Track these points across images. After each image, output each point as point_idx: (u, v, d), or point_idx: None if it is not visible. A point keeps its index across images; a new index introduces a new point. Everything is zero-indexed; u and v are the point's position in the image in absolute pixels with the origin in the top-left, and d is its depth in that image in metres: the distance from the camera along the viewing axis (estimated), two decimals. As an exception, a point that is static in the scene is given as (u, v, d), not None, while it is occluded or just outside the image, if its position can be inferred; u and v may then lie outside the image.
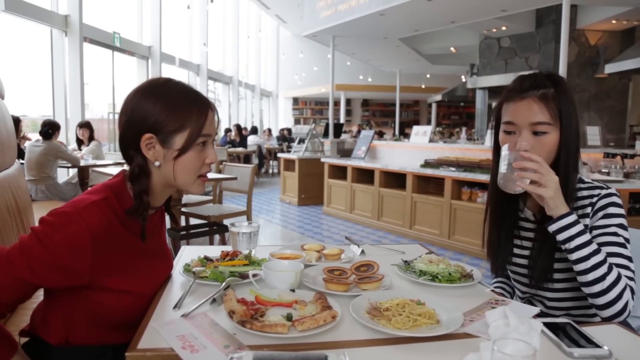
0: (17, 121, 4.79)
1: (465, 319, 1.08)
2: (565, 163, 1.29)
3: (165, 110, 1.13)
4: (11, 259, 1.00)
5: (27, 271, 1.00)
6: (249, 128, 14.45)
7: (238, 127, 12.45)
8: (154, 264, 1.25)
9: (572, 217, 1.22)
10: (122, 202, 1.13)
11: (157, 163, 1.15)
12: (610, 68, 8.01)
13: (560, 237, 1.22)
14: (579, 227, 1.21)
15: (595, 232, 1.29)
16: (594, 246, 1.21)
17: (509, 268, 1.50)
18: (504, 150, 1.24)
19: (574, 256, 1.21)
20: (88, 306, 1.11)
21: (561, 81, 1.31)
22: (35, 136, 5.33)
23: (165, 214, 1.38)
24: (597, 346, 0.96)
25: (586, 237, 1.21)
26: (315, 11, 9.55)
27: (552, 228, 1.23)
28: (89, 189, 1.16)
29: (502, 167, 1.24)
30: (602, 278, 1.18)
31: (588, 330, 1.05)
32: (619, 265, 1.23)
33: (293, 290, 1.20)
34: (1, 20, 6.21)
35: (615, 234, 1.27)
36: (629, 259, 1.25)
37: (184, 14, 12.29)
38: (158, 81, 1.19)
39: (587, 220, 1.30)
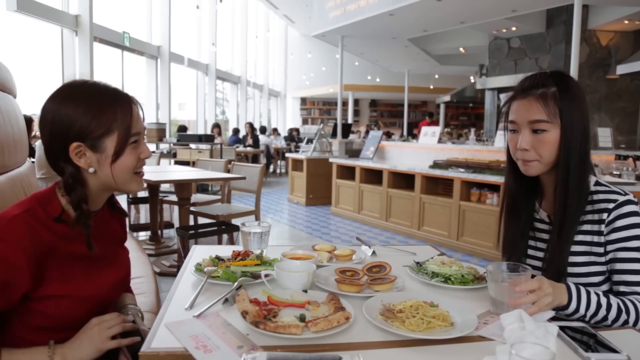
0: (29, 120, 4.83)
1: (479, 321, 1.07)
2: (565, 162, 1.27)
3: (88, 114, 1.09)
4: None
5: None
6: (257, 127, 14.47)
7: (251, 125, 12.43)
8: (95, 267, 1.20)
9: (574, 301, 1.18)
10: (49, 211, 1.09)
11: (91, 170, 1.12)
12: (622, 69, 7.93)
13: (574, 317, 1.21)
14: (584, 301, 1.18)
15: (615, 246, 1.26)
16: (603, 302, 1.19)
17: None
18: (490, 284, 1.17)
19: (592, 322, 1.20)
20: (27, 316, 1.08)
21: (566, 80, 1.30)
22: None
23: (112, 215, 1.34)
24: (615, 351, 0.95)
25: (594, 301, 1.18)
26: (324, 11, 9.54)
27: (564, 314, 1.21)
28: (14, 203, 1.11)
29: (492, 293, 1.16)
30: (625, 322, 1.19)
31: (604, 334, 1.04)
32: (639, 283, 1.23)
33: (305, 291, 1.20)
34: (13, 20, 6.27)
35: (637, 248, 1.24)
36: None
37: (193, 14, 12.33)
38: (74, 84, 1.14)
39: (603, 227, 1.28)
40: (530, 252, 1.44)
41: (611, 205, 1.27)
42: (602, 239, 1.28)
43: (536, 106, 1.27)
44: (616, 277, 1.28)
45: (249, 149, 11.56)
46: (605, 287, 1.31)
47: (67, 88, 1.14)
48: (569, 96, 1.27)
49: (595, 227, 1.29)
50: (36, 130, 5.41)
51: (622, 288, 1.26)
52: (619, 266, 1.26)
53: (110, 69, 8.82)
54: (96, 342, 1.10)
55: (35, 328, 1.10)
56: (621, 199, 1.27)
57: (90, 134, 1.09)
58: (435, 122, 13.77)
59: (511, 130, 1.34)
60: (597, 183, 1.34)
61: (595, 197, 1.31)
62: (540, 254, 1.40)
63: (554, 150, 1.28)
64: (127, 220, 1.45)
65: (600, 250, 1.29)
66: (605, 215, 1.28)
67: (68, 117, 1.08)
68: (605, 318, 1.18)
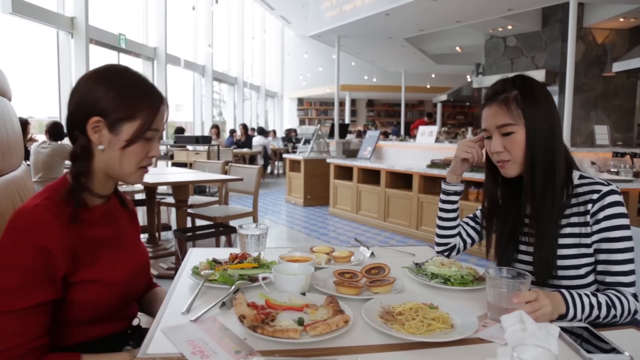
0: (25, 123, 4.80)
1: (479, 323, 1.06)
2: (531, 159, 1.31)
3: (119, 96, 1.12)
4: None
5: (19, 299, 0.99)
6: (255, 128, 14.45)
7: (244, 126, 12.43)
8: (118, 252, 1.23)
9: (572, 308, 1.18)
10: (66, 198, 1.12)
11: (101, 147, 1.13)
12: (617, 66, 7.93)
13: (574, 322, 1.21)
14: (579, 305, 1.19)
15: (599, 236, 1.30)
16: (594, 302, 1.20)
17: (514, 265, 1.48)
18: (488, 289, 1.15)
19: (586, 322, 1.20)
20: (60, 309, 1.08)
21: (526, 82, 1.36)
22: (41, 138, 5.34)
23: (124, 211, 1.36)
24: (618, 351, 0.94)
25: (587, 303, 1.19)
26: (320, 11, 9.53)
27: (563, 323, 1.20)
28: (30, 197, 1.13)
29: (490, 298, 1.15)
30: (614, 317, 1.22)
31: (606, 334, 1.03)
32: (621, 273, 1.27)
33: (304, 294, 1.18)
34: (8, 22, 6.24)
35: (619, 239, 1.28)
36: (632, 261, 1.27)
37: (189, 15, 12.31)
38: (116, 68, 1.18)
39: (589, 218, 1.31)
40: (521, 247, 1.45)
41: (595, 196, 1.31)
42: (589, 230, 1.31)
43: (500, 112, 1.33)
44: (600, 267, 1.31)
45: (245, 149, 11.53)
46: (593, 277, 1.34)
47: (108, 69, 1.17)
48: (530, 98, 1.32)
49: (582, 219, 1.32)
50: (32, 134, 5.39)
51: (608, 278, 1.30)
52: (603, 257, 1.30)
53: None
54: None
55: (65, 323, 1.11)
56: (604, 189, 1.31)
57: (113, 114, 1.12)
58: (432, 122, 13.76)
59: (486, 137, 1.42)
60: (581, 177, 1.37)
61: (580, 189, 1.34)
62: (531, 249, 1.41)
63: (523, 149, 1.33)
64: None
65: (588, 241, 1.32)
66: (590, 206, 1.31)
67: (99, 94, 1.12)
68: (597, 317, 1.21)
